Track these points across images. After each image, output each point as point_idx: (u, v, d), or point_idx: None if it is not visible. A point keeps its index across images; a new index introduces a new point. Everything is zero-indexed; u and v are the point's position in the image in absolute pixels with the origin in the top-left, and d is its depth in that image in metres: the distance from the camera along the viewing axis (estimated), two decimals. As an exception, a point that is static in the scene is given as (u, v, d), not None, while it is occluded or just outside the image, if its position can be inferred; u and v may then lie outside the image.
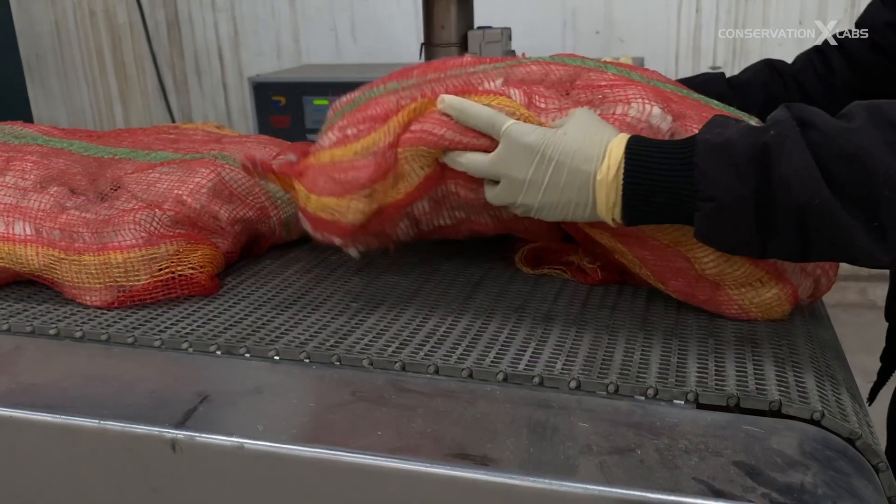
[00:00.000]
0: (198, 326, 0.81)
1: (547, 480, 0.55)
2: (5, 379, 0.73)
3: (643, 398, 0.65)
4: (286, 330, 0.79)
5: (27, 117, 1.89)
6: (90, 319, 0.83)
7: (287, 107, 2.81)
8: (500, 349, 0.73)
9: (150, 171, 0.93)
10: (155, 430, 0.64)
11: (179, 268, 0.85)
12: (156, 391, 0.70)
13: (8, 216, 0.86)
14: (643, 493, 0.54)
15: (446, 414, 0.64)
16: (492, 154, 0.73)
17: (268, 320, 0.82)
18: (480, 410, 0.65)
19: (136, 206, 0.86)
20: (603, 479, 0.55)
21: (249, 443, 0.62)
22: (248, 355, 0.76)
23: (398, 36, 3.24)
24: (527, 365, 0.70)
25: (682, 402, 0.65)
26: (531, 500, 0.56)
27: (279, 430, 0.63)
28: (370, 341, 0.76)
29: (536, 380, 0.68)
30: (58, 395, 0.70)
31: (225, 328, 0.80)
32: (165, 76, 3.45)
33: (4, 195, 0.88)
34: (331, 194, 0.81)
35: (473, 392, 0.67)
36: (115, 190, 0.91)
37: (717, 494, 0.53)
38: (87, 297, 0.85)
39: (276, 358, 0.75)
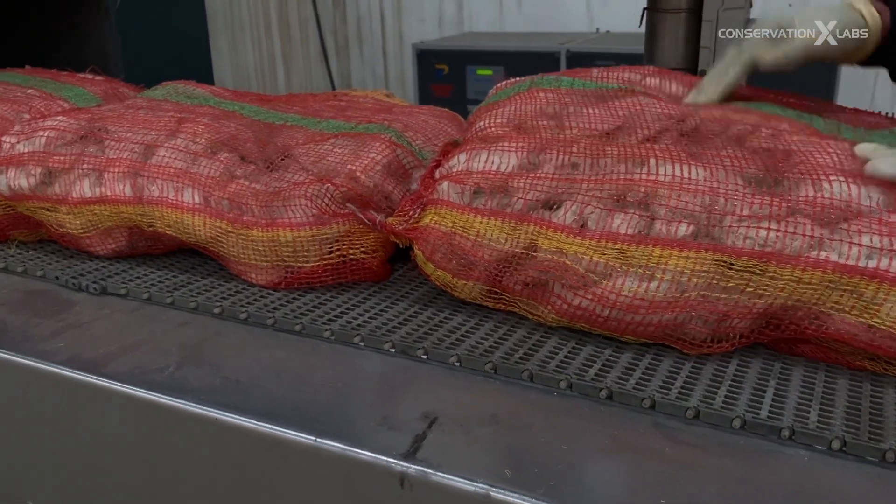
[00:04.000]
0: (369, 318, 0.72)
1: None
2: (207, 371, 0.66)
3: (931, 473, 0.50)
4: (466, 332, 0.69)
5: (209, 76, 1.91)
6: (255, 300, 0.77)
7: (450, 75, 2.73)
8: (730, 387, 0.60)
9: (323, 142, 0.85)
10: (381, 459, 0.54)
11: (351, 251, 0.76)
12: (375, 405, 0.61)
13: (178, 181, 0.81)
14: None
15: (748, 483, 0.51)
16: None
17: (444, 318, 0.72)
18: (786, 480, 0.51)
19: (307, 180, 0.78)
20: None
21: (497, 492, 0.50)
22: (425, 357, 0.67)
23: (566, 4, 3.07)
24: (770, 413, 0.56)
25: None
26: None
27: (531, 478, 0.51)
28: (566, 358, 0.64)
29: (786, 433, 0.54)
30: (266, 399, 0.62)
31: (398, 323, 0.71)
32: (328, 40, 3.45)
33: (175, 158, 0.82)
34: (448, 272, 0.70)
35: (765, 451, 0.53)
36: (285, 159, 0.84)
37: None
38: (253, 275, 0.79)
39: (457, 364, 0.65)
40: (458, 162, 0.72)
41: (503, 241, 0.67)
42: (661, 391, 0.59)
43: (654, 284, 0.61)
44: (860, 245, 0.58)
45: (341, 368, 0.66)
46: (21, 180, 0.86)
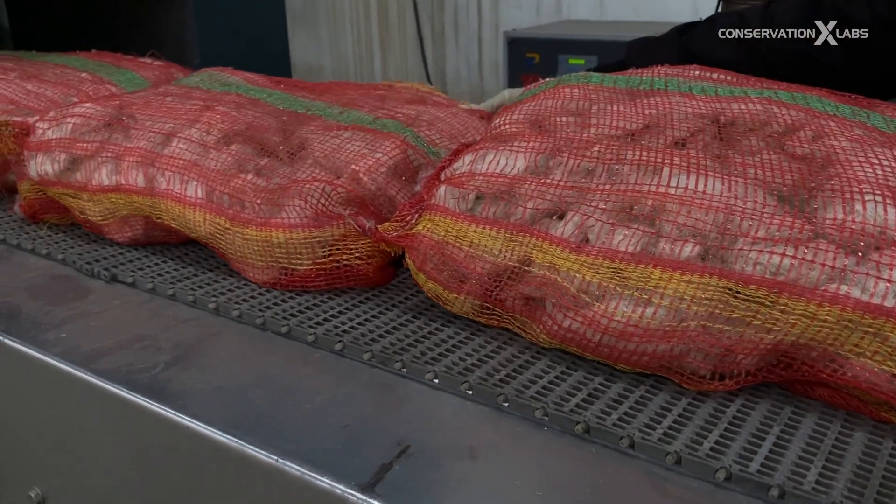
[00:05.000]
0: (357, 325, 0.69)
1: None
2: (192, 374, 0.64)
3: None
4: (450, 348, 0.64)
5: (285, 61, 1.93)
6: (249, 298, 0.74)
7: (540, 64, 2.64)
8: (725, 431, 0.52)
9: (335, 136, 0.81)
10: (338, 488, 0.50)
11: (345, 256, 0.73)
12: (349, 425, 0.57)
13: (185, 174, 0.79)
14: None
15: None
16: None
17: (431, 331, 0.67)
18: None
19: (308, 177, 0.75)
20: None
21: None
22: (404, 371, 0.62)
23: (670, -9, 2.91)
24: (762, 466, 0.48)
25: None
26: None
27: None
28: (547, 385, 0.58)
29: (774, 492, 0.46)
30: (242, 410, 0.59)
31: (383, 332, 0.67)
32: (424, 27, 3.44)
33: (186, 150, 0.81)
34: (439, 283, 0.65)
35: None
36: (302, 150, 0.81)
37: None
38: (251, 273, 0.77)
39: (435, 381, 0.61)
40: (463, 164, 0.66)
41: (497, 253, 0.61)
42: (644, 430, 0.52)
43: (650, 310, 0.54)
44: (889, 281, 0.49)
45: (321, 379, 0.63)
46: (46, 166, 0.87)
